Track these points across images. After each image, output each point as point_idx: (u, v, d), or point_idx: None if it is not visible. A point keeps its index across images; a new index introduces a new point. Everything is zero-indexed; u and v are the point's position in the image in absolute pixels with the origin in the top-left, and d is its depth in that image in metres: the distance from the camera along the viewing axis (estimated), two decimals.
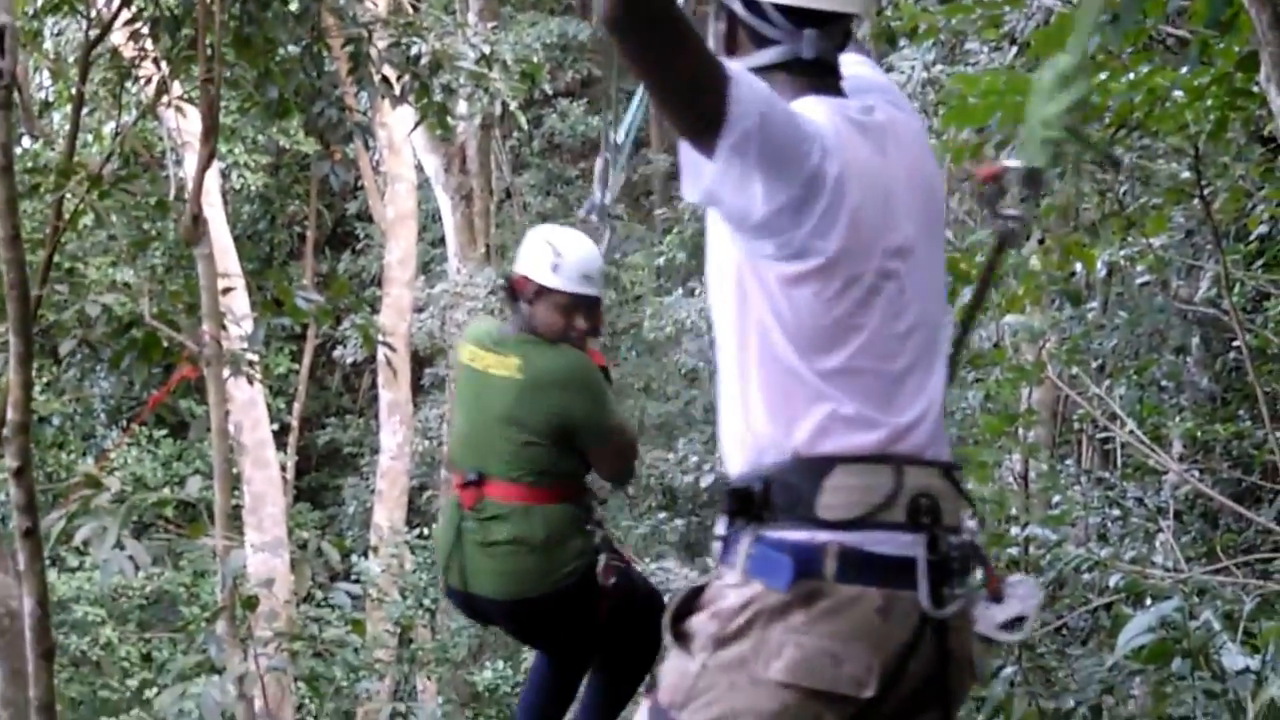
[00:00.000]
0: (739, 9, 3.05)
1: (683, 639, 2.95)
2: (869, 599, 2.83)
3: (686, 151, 2.84)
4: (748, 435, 2.97)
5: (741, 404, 2.98)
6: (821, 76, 3.06)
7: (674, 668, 2.96)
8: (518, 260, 5.15)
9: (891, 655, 2.84)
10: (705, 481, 9.98)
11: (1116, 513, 8.85)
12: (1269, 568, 7.81)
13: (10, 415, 7.11)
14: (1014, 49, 8.96)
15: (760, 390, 2.94)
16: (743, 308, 2.96)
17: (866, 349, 2.92)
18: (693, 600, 2.97)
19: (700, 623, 2.92)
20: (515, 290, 5.08)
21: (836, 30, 3.06)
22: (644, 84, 2.84)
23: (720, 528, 2.99)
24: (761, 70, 2.95)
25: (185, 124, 11.46)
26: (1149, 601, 6.16)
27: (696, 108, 2.74)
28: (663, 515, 10.27)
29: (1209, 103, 5.82)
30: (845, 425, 2.90)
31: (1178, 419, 9.55)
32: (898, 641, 2.85)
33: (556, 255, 5.00)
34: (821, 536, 2.85)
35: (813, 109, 2.92)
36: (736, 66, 2.84)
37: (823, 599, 2.83)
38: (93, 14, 9.20)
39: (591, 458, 5.06)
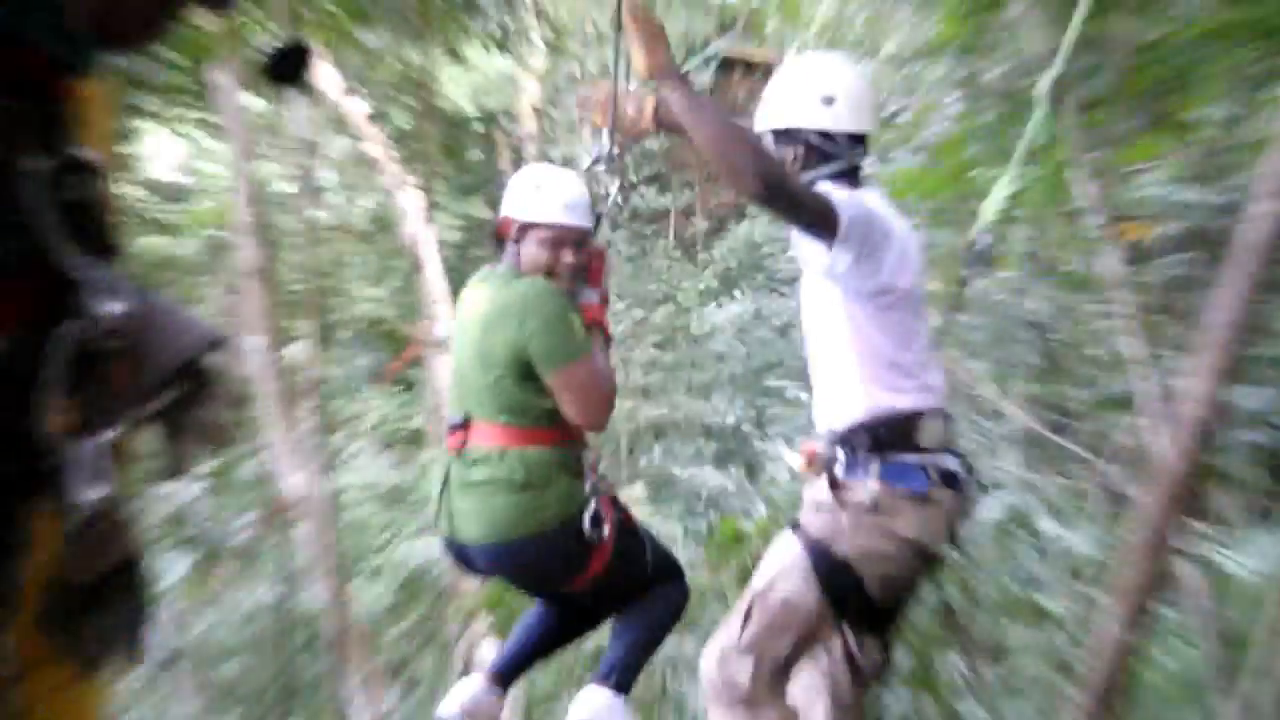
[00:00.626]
0: (815, 140, 3.44)
1: (838, 503, 3.43)
2: (949, 496, 3.42)
3: (808, 244, 3.30)
4: (865, 401, 3.42)
5: (857, 381, 3.43)
6: (858, 176, 3.49)
7: (823, 519, 3.46)
8: (501, 206, 4.24)
9: (949, 528, 3.45)
10: (728, 421, 11.56)
11: None
12: None
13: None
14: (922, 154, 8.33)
15: (873, 372, 3.41)
16: (848, 325, 3.40)
17: (921, 344, 3.45)
18: (835, 485, 3.47)
19: (850, 496, 3.41)
20: (500, 235, 4.20)
21: (868, 144, 3.50)
22: (782, 219, 3.29)
23: (841, 455, 3.47)
24: (829, 177, 3.41)
25: (410, 200, 12.09)
26: None
27: (821, 221, 3.16)
28: (702, 441, 11.81)
29: None
30: (925, 390, 3.43)
31: None
32: (954, 522, 3.45)
33: (535, 187, 4.13)
34: (926, 459, 3.39)
35: (866, 196, 3.33)
36: (824, 184, 3.33)
37: (931, 495, 3.39)
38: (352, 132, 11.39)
39: (555, 393, 4.00)
